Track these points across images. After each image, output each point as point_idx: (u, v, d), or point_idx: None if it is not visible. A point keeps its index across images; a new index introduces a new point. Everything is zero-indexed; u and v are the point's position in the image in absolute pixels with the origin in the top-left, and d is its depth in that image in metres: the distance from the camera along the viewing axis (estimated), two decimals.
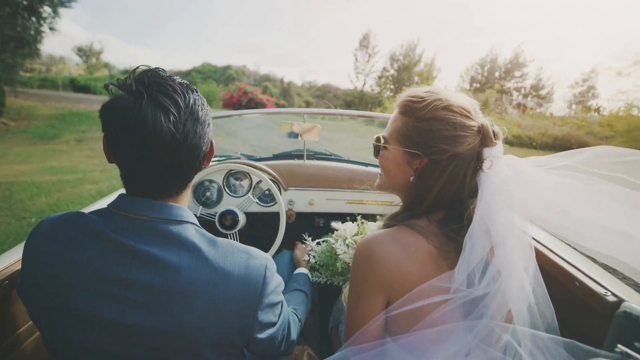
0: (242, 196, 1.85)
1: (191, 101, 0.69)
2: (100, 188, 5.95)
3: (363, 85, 33.68)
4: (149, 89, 0.65)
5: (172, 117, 0.65)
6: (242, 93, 20.97)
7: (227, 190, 1.87)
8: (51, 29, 14.42)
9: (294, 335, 0.92)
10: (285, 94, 30.83)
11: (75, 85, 22.71)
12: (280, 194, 1.88)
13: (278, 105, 22.99)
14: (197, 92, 0.73)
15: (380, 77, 32.88)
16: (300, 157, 2.11)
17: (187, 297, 0.67)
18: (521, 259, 0.75)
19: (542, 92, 28.17)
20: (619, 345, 0.68)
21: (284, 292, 0.96)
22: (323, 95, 34.51)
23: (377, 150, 0.92)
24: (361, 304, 0.80)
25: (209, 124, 0.74)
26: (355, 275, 0.82)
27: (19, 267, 0.87)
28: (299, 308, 1.08)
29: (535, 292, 0.77)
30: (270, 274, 0.76)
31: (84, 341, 0.66)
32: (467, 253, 0.73)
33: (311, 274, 1.34)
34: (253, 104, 20.37)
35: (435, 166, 0.81)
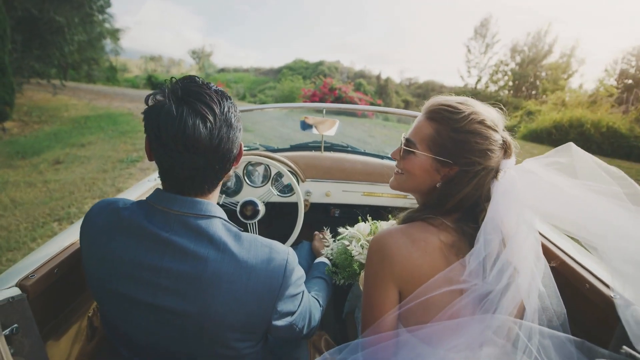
0: (261, 186, 1.88)
1: (225, 109, 0.74)
2: None
3: (477, 82, 26.58)
4: (189, 97, 0.70)
5: (209, 124, 0.70)
6: (328, 90, 16.24)
7: (247, 181, 1.87)
8: (98, 12, 11.85)
9: (315, 320, 0.97)
10: (382, 92, 25.72)
11: (153, 83, 21.69)
12: (298, 184, 1.88)
13: (373, 105, 17.94)
14: (230, 99, 0.77)
15: (495, 72, 25.42)
16: (317, 148, 2.12)
17: (213, 286, 0.72)
18: (531, 255, 0.77)
19: None
20: (624, 347, 0.72)
21: (305, 280, 0.98)
22: (425, 94, 28.88)
23: (404, 153, 0.91)
24: (376, 295, 0.82)
25: (240, 129, 0.79)
26: (370, 268, 0.85)
27: (67, 254, 0.97)
28: (320, 294, 1.12)
29: (546, 288, 0.79)
30: (291, 267, 0.80)
31: (125, 317, 0.76)
32: (479, 245, 0.76)
33: (330, 277, 1.31)
34: (341, 104, 15.58)
35: (464, 175, 0.83)
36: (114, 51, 18.08)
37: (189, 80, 0.74)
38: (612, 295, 0.85)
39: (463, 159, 0.81)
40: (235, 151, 0.78)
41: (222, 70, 40.21)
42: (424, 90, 29.54)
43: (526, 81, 24.28)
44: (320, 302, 1.07)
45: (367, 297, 0.86)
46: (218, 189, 0.83)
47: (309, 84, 21.06)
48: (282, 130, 8.94)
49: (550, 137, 12.73)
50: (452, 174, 0.83)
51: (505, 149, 0.85)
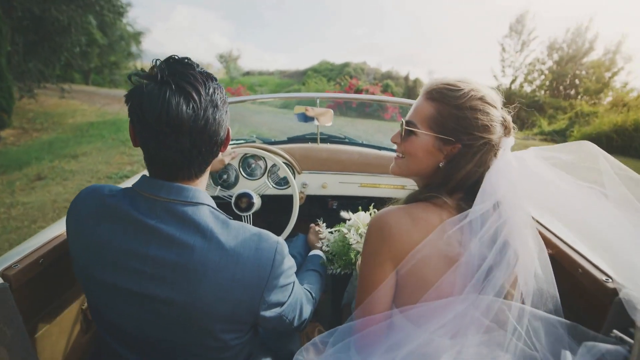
0: (258, 179, 1.85)
1: (211, 90, 0.71)
2: None
3: (512, 82, 24.39)
4: (173, 77, 0.67)
5: (194, 104, 0.67)
6: (354, 92, 15.08)
7: (243, 173, 1.85)
8: (110, 12, 11.21)
9: (307, 313, 0.94)
10: (411, 93, 24.26)
11: None
12: (294, 177, 1.86)
13: (401, 108, 16.57)
14: (216, 81, 0.74)
15: (531, 71, 23.20)
16: (314, 140, 2.08)
17: (199, 274, 0.69)
18: (523, 224, 0.78)
19: None
20: (614, 331, 0.71)
21: (298, 273, 0.99)
22: None
23: (405, 135, 0.89)
24: (372, 273, 0.81)
25: (226, 111, 0.76)
26: (368, 246, 0.83)
27: (53, 245, 0.95)
28: (313, 287, 1.09)
29: (542, 271, 0.79)
30: (280, 256, 0.77)
31: (111, 306, 0.74)
32: (470, 214, 0.77)
33: (326, 266, 1.29)
34: (367, 106, 14.33)
35: (467, 152, 0.82)
36: (138, 55, 17.59)
37: (173, 60, 0.71)
38: (604, 280, 0.85)
39: (465, 136, 0.81)
40: (222, 134, 0.76)
41: (248, 73, 40.08)
42: None
43: (564, 80, 22.14)
44: (313, 295, 1.04)
45: (363, 275, 0.84)
46: (206, 175, 0.80)
47: (333, 86, 20.03)
48: (281, 124, 8.68)
49: (611, 142, 10.92)
50: (455, 152, 0.83)
51: (505, 126, 0.85)
